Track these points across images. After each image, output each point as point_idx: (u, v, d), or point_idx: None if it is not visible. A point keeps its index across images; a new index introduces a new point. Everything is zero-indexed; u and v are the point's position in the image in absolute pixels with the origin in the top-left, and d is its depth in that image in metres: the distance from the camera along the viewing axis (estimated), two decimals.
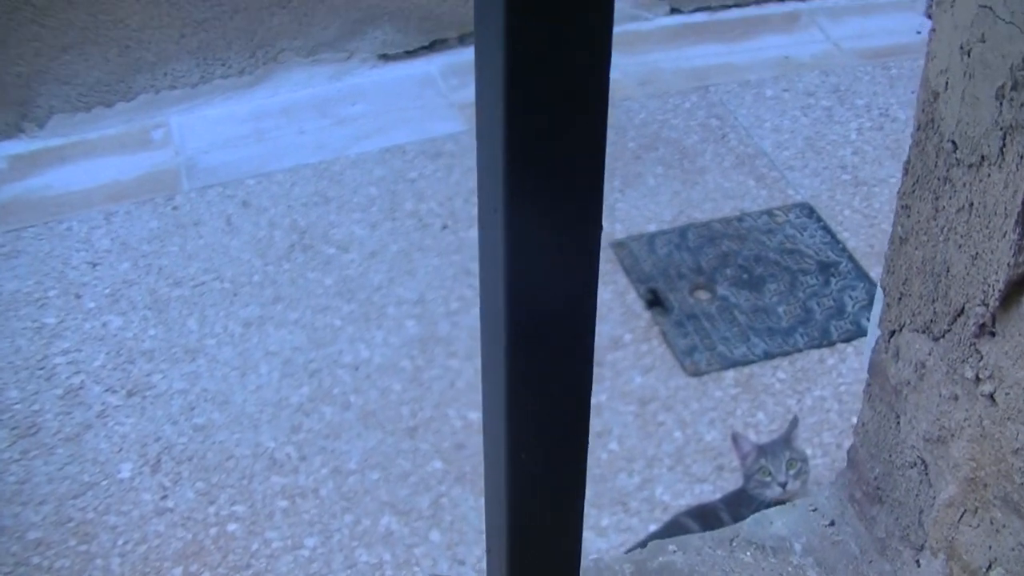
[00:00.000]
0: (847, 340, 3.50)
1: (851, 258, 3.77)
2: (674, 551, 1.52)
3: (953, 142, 1.18)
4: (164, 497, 3.10)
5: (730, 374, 3.38)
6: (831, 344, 3.48)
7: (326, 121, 4.48)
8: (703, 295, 3.67)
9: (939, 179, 1.22)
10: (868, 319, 3.54)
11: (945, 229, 1.22)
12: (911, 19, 4.95)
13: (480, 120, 0.79)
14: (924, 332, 1.30)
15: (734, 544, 1.54)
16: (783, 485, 2.76)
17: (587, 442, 1.00)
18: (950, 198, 1.21)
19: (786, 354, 3.46)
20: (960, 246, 1.20)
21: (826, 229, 3.89)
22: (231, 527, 3.02)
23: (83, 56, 4.34)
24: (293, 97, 4.62)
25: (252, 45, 4.55)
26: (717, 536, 1.57)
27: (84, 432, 3.28)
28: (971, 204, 1.16)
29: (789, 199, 4.03)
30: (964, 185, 1.17)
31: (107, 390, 3.40)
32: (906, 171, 1.31)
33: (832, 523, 1.55)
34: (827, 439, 3.17)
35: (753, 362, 3.43)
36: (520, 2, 0.69)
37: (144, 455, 3.21)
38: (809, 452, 3.12)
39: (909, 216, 1.31)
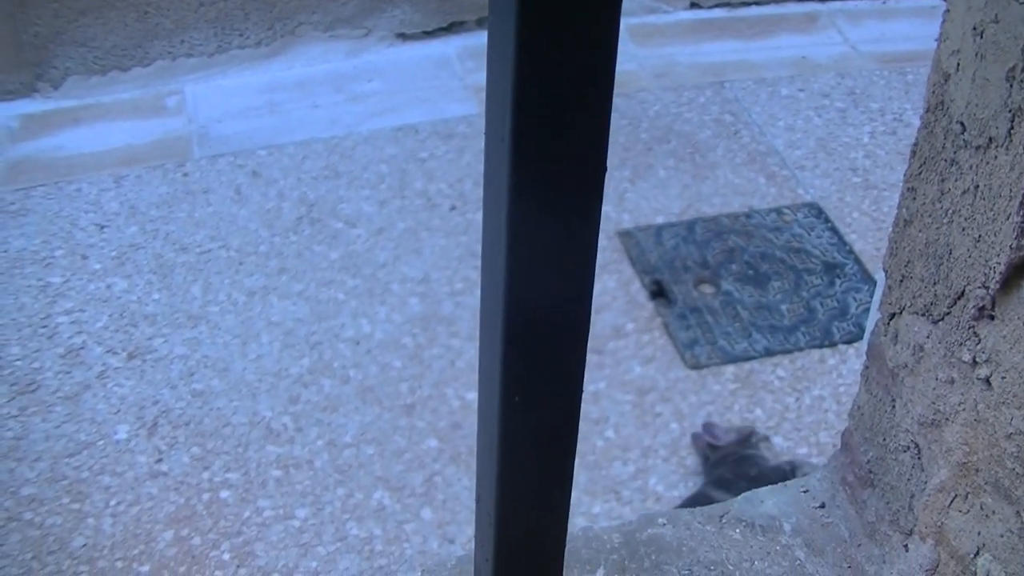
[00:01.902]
0: (849, 342, 3.49)
1: (857, 260, 3.77)
2: (663, 524, 1.52)
3: (962, 124, 1.18)
4: (159, 460, 3.10)
5: (730, 369, 3.38)
6: (832, 345, 3.48)
7: (340, 97, 4.49)
8: (707, 289, 3.67)
9: (946, 161, 1.22)
10: None
11: (949, 211, 1.22)
12: (930, 26, 4.89)
13: (489, 106, 0.79)
14: (924, 315, 1.30)
15: (724, 520, 1.54)
16: None
17: (579, 416, 1.00)
18: (956, 180, 1.20)
19: (787, 352, 3.45)
20: (963, 228, 1.20)
21: (834, 230, 3.88)
22: (224, 494, 3.02)
23: (101, 20, 4.34)
24: (309, 71, 4.62)
25: (270, 17, 4.55)
26: (707, 512, 1.57)
27: (83, 392, 3.28)
28: (976, 186, 1.16)
29: (798, 198, 4.02)
30: (971, 167, 1.17)
31: (108, 351, 3.40)
32: (913, 153, 1.31)
33: (823, 505, 1.55)
34: (824, 439, 3.17)
35: (753, 358, 3.43)
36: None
37: (141, 418, 3.21)
38: (804, 451, 3.13)
39: (915, 198, 1.30)
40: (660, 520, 1.54)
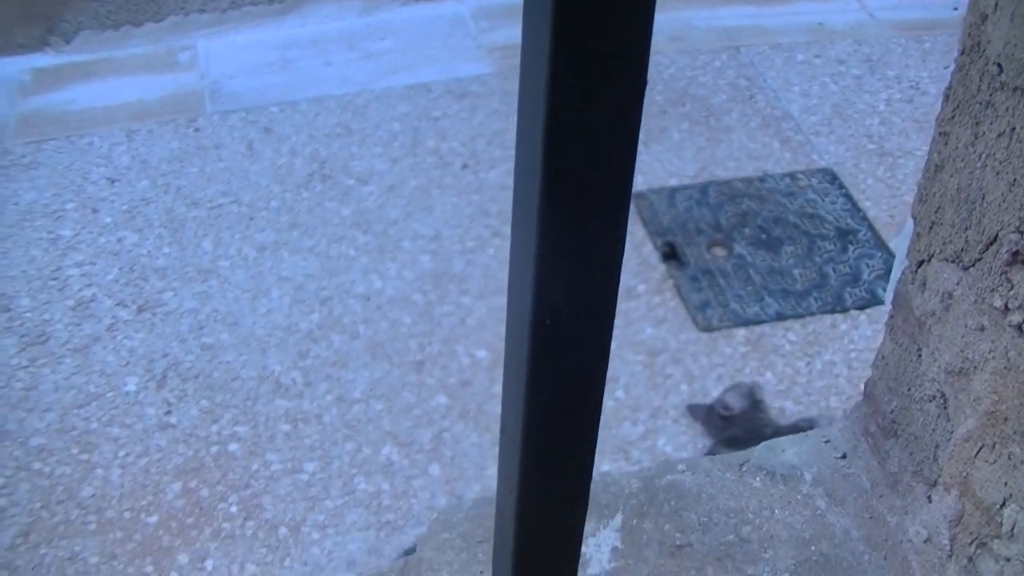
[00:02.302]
0: (861, 308, 3.47)
1: (871, 227, 3.74)
2: (683, 470, 1.51)
3: (999, 65, 1.16)
4: (168, 413, 3.09)
5: (741, 332, 3.36)
6: (844, 310, 3.46)
7: (353, 54, 4.46)
8: (720, 252, 3.65)
9: (981, 104, 1.20)
10: (884, 289, 3.53)
11: (983, 155, 1.20)
12: None
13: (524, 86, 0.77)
14: (954, 261, 1.28)
15: (744, 468, 1.53)
16: None
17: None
18: (991, 123, 1.18)
19: (798, 317, 3.44)
20: (998, 172, 1.18)
21: (848, 196, 3.86)
22: (232, 447, 3.01)
23: None
24: (322, 29, 4.60)
25: None
26: (727, 459, 1.55)
27: (93, 344, 3.27)
28: (1013, 128, 1.14)
29: (813, 164, 4.00)
30: (1007, 109, 1.15)
31: (118, 304, 3.39)
32: (947, 97, 1.29)
33: (844, 456, 1.53)
34: (834, 403, 3.16)
35: (765, 322, 3.41)
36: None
37: (151, 370, 3.20)
38: (815, 415, 3.11)
39: (947, 143, 1.29)
40: (680, 466, 1.52)
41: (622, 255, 0.81)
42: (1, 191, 3.77)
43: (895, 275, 1.43)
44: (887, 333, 1.46)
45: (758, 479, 1.51)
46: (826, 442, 1.57)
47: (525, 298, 0.82)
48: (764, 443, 1.60)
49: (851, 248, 3.67)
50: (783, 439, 1.61)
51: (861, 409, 1.56)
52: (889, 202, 3.84)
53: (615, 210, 0.78)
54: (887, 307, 1.47)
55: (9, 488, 2.89)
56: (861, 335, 3.38)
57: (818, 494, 1.50)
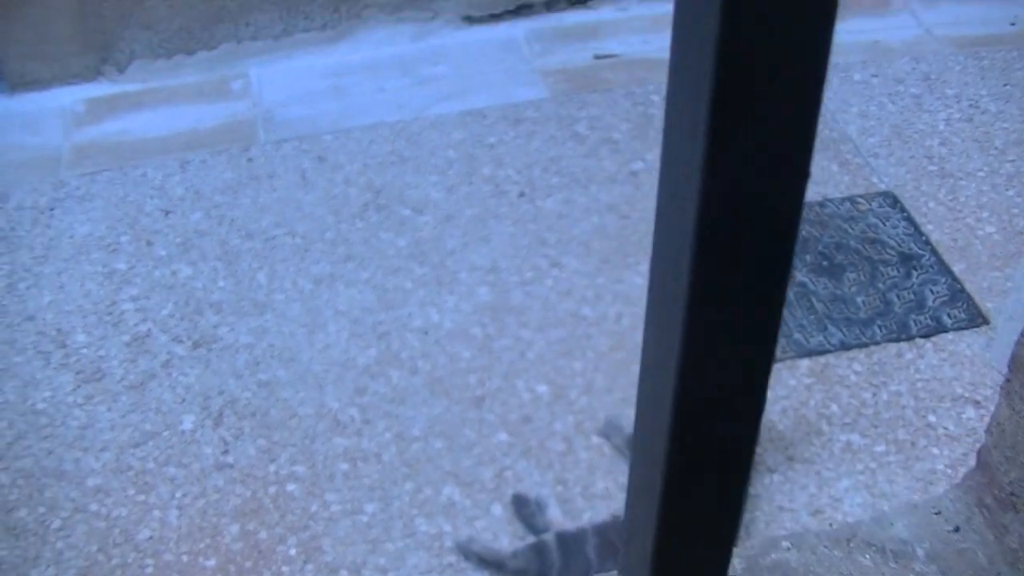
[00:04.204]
0: (926, 335, 3.41)
1: (934, 251, 3.68)
2: (788, 548, 1.46)
3: None
4: (225, 452, 3.07)
5: (805, 363, 3.31)
6: (910, 339, 3.40)
7: (407, 80, 4.43)
8: None
9: None
10: (948, 315, 3.46)
11: None
12: (1006, 9, 4.83)
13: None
14: None
15: (851, 545, 1.48)
16: None
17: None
18: None
19: (863, 346, 3.38)
20: None
21: (909, 220, 3.79)
22: (290, 487, 2.98)
23: (167, 3, 4.31)
24: (374, 55, 4.57)
25: (336, 0, 4.50)
26: (833, 535, 1.50)
27: (148, 381, 3.25)
28: None
29: (873, 187, 3.94)
30: None
31: (173, 339, 3.37)
32: None
33: (957, 529, 1.47)
34: (901, 436, 3.09)
35: (829, 352, 3.35)
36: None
37: (207, 408, 3.18)
38: (882, 449, 3.05)
39: None
40: (784, 544, 1.47)
41: (778, 328, 0.77)
42: (57, 224, 3.76)
43: (1005, 335, 1.38)
44: (1003, 398, 1.40)
45: (868, 556, 1.45)
46: (936, 513, 1.51)
47: (666, 383, 0.78)
48: (871, 516, 1.55)
49: (915, 274, 3.61)
50: (890, 511, 1.56)
51: (974, 478, 1.50)
52: (952, 225, 3.77)
53: (774, 288, 0.73)
54: (997, 366, 1.41)
55: (66, 530, 2.88)
56: (927, 364, 3.31)
57: (931, 572, 1.45)
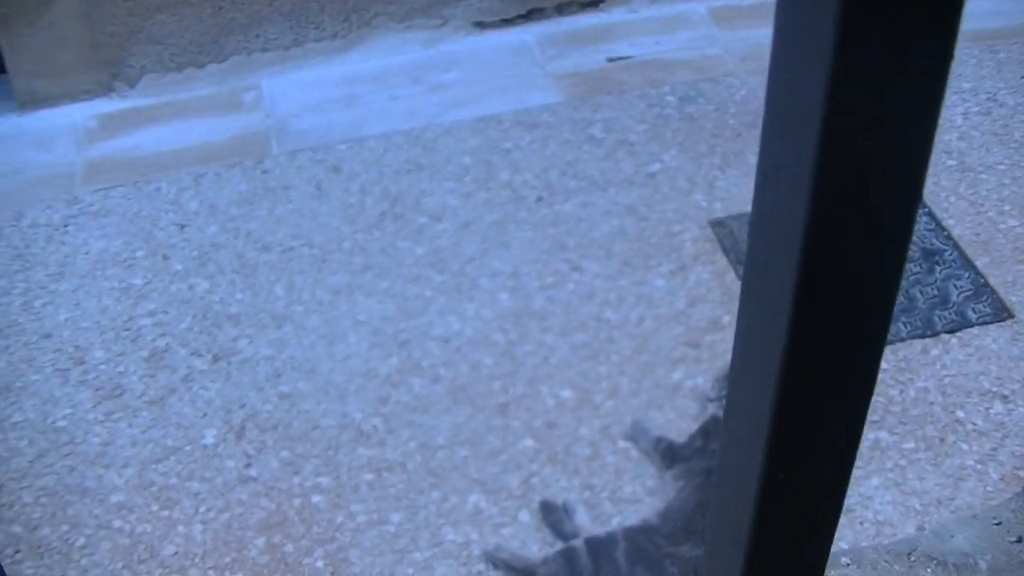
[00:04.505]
0: (951, 331, 3.37)
1: (956, 246, 3.64)
2: (848, 564, 1.42)
3: None
4: (248, 465, 3.04)
5: None
6: (935, 334, 3.36)
7: (419, 88, 4.40)
8: None
9: None
10: (973, 310, 3.43)
11: None
12: (1021, 1, 4.80)
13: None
14: None
15: (912, 559, 1.44)
16: None
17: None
18: None
19: (888, 343, 3.34)
20: None
21: (931, 215, 3.76)
22: (315, 498, 2.95)
23: (176, 16, 4.29)
24: (386, 63, 4.54)
25: (346, 9, 4.47)
26: (893, 548, 1.46)
27: (168, 395, 3.22)
28: None
29: None
30: None
31: (192, 354, 3.34)
32: None
33: (1019, 539, 1.44)
34: (930, 432, 3.05)
35: None
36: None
37: (228, 422, 3.15)
38: (911, 446, 3.01)
39: None
40: (844, 560, 1.44)
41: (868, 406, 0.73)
42: (72, 240, 3.74)
43: None
44: None
45: (929, 570, 1.42)
46: (997, 524, 1.48)
47: (756, 449, 0.74)
48: (931, 529, 1.51)
49: (938, 269, 3.57)
50: (950, 522, 1.52)
51: None
52: (973, 219, 3.74)
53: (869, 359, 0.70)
54: None
55: (91, 548, 2.85)
56: (953, 359, 3.27)
57: None
